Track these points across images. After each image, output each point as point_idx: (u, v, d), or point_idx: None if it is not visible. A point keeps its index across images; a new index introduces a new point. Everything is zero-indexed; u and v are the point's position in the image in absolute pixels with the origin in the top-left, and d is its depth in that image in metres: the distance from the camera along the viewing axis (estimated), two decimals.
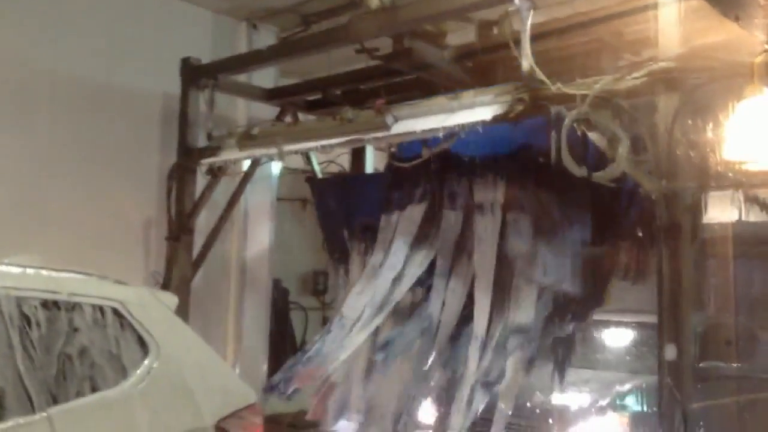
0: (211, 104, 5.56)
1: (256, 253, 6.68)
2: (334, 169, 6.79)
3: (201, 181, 5.85)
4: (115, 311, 2.78)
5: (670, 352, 3.38)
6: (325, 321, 9.43)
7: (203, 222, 6.07)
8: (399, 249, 5.14)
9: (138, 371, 2.73)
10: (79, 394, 2.54)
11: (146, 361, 2.78)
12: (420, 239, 5.13)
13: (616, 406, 5.31)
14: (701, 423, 4.40)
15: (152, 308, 2.95)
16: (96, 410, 2.56)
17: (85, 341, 2.64)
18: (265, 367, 6.88)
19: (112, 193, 5.80)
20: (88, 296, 2.73)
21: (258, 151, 5.14)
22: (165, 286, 5.84)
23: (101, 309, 2.74)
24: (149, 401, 2.71)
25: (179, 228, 5.85)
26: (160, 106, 6.11)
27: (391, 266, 5.10)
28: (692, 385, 3.74)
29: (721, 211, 4.44)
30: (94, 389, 2.58)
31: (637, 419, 5.25)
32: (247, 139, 5.09)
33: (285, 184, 7.06)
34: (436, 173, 5.09)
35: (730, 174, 3.86)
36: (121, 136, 5.88)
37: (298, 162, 6.38)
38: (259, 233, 6.70)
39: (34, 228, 5.28)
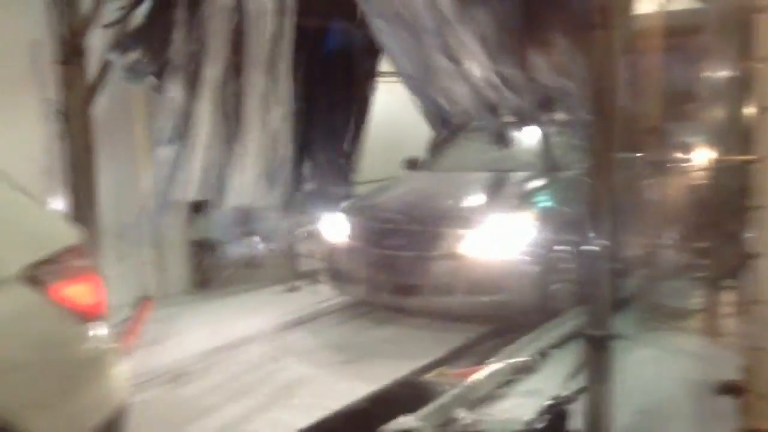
0: None
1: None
2: None
3: None
4: None
5: None
6: None
7: (99, 43, 5.53)
8: None
9: None
10: None
11: None
12: None
13: (526, 203, 5.44)
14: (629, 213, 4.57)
15: None
16: None
17: None
18: None
19: None
20: None
21: None
22: (65, 113, 5.47)
23: None
24: None
25: (70, 50, 5.31)
26: None
27: None
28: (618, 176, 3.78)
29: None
30: None
31: (546, 214, 5.43)
32: None
33: None
34: None
35: None
36: None
37: None
38: None
39: None
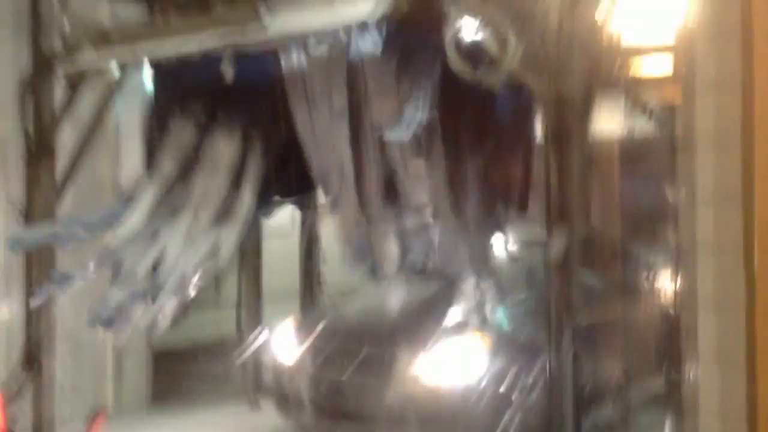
0: (65, 1, 4.87)
1: (132, 173, 6.13)
2: None
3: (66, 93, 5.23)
4: None
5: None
6: None
7: (70, 140, 5.48)
8: None
9: None
10: None
11: None
12: None
13: (480, 323, 5.05)
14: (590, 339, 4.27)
15: None
16: None
17: None
18: None
19: None
20: None
21: (118, 54, 4.56)
22: (27, 212, 5.35)
23: None
24: None
25: (39, 147, 5.28)
26: (9, 8, 5.33)
27: None
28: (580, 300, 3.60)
29: (607, 121, 4.25)
30: None
31: (501, 338, 4.97)
32: (104, 40, 4.50)
33: None
34: None
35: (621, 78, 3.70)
36: None
37: None
38: (134, 151, 6.12)
39: None
